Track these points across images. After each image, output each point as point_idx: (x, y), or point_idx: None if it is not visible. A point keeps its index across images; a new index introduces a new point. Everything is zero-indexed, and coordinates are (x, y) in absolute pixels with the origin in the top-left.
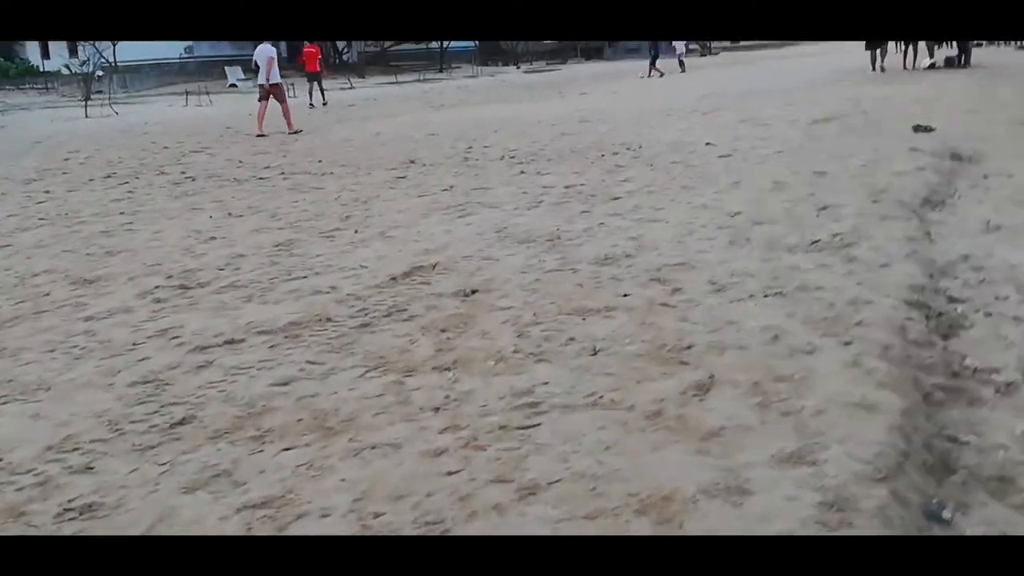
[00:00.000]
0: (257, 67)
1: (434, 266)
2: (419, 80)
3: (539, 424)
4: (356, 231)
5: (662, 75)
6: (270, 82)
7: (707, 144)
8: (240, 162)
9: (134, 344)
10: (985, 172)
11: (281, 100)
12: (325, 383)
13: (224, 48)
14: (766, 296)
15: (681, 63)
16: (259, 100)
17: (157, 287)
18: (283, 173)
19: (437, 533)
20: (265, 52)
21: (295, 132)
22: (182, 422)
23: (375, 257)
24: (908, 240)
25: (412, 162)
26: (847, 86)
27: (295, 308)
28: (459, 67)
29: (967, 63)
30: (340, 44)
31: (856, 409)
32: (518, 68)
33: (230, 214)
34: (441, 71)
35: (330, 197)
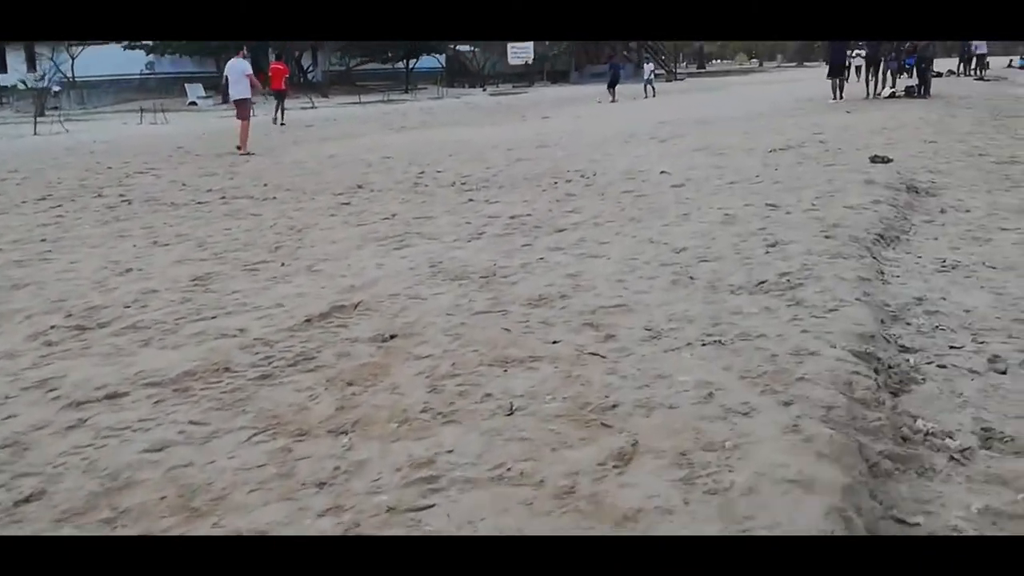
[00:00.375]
0: (227, 83)
1: (356, 306)
2: (383, 101)
3: (433, 505)
4: (283, 264)
5: (614, 100)
6: (239, 96)
7: (662, 173)
8: (183, 185)
9: (6, 398)
10: (942, 205)
11: (244, 118)
12: (203, 449)
13: (186, 64)
14: (704, 345)
15: (652, 87)
16: (241, 119)
17: (53, 327)
18: (224, 197)
19: None
20: (240, 67)
21: (247, 153)
22: (28, 499)
23: (295, 294)
24: (859, 281)
25: (360, 187)
26: (808, 114)
27: (194, 355)
28: (425, 88)
29: (927, 93)
30: (305, 62)
31: (792, 487)
32: (484, 90)
33: (156, 242)
34: (407, 92)
35: (265, 224)
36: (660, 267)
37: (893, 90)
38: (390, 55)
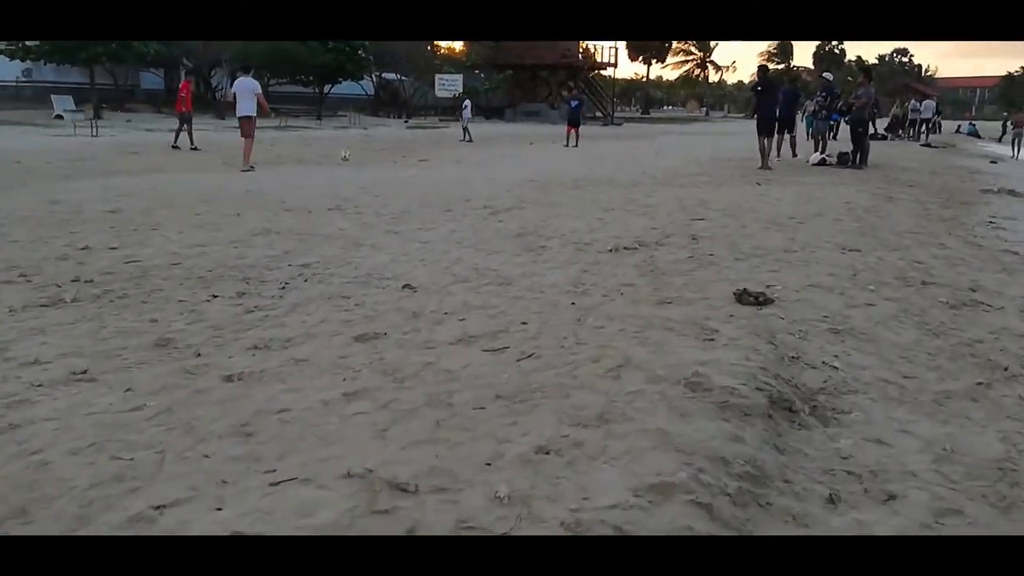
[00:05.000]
0: (235, 99)
1: None
2: (277, 127)
3: None
4: None
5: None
6: (244, 113)
7: (404, 287)
8: None
9: None
10: (831, 455)
11: (249, 135)
12: None
13: (70, 74)
14: None
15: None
16: (243, 136)
17: None
18: None
19: None
20: (250, 85)
21: (249, 168)
22: None
23: None
24: None
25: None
26: (710, 184)
27: None
28: (345, 115)
29: (863, 162)
30: (214, 80)
31: None
32: (406, 122)
33: None
34: (319, 119)
35: None
36: None
37: (823, 156)
38: (311, 79)
